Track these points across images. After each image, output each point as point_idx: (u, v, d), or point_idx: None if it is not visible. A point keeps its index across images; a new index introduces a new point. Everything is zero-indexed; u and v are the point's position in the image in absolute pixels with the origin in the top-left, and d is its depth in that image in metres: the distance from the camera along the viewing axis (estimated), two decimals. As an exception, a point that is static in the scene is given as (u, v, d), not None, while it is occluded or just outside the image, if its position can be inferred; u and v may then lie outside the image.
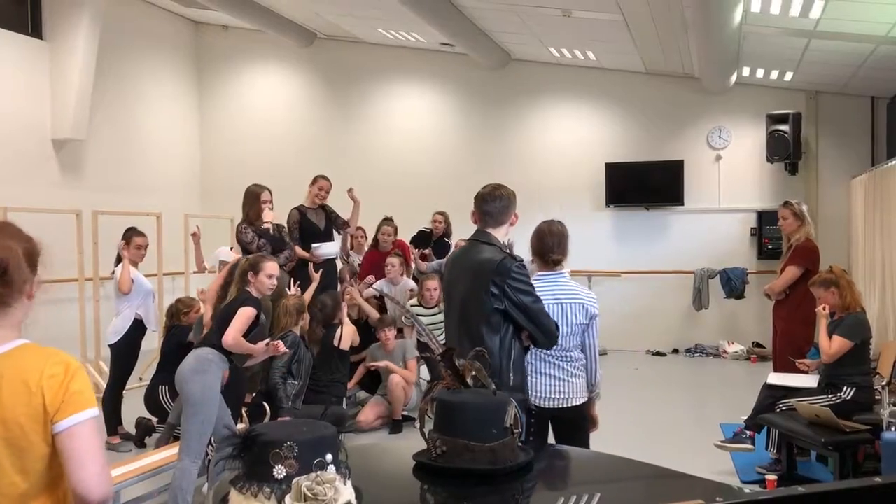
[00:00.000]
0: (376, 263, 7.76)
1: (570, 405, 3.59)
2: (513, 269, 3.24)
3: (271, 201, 6.22)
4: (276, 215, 6.29)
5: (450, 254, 3.75)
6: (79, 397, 1.80)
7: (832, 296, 4.97)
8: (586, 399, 3.68)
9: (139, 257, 6.24)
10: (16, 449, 1.77)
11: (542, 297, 3.79)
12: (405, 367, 6.69)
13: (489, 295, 3.22)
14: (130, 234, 6.27)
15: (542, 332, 3.29)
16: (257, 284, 4.46)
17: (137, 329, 6.13)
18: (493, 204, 3.41)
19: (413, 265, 7.83)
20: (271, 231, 6.12)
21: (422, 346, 6.77)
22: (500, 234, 3.43)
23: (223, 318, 4.34)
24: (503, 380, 3.17)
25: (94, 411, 1.82)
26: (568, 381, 3.60)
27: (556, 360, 3.63)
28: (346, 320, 6.69)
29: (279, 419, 5.36)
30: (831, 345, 4.81)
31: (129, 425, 6.19)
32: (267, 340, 4.51)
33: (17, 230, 1.90)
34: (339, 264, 7.50)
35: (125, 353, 6.12)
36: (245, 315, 4.27)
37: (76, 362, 1.85)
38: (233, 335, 4.23)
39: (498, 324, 3.24)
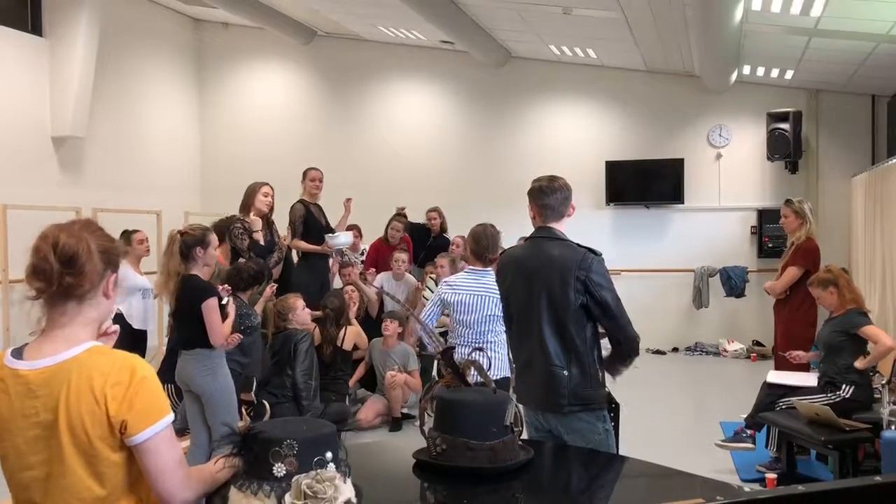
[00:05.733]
0: (383, 256, 7.73)
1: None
2: (594, 264, 3.12)
3: (272, 195, 6.25)
4: (266, 208, 6.24)
5: (505, 255, 3.44)
6: (148, 410, 1.77)
7: (831, 295, 4.94)
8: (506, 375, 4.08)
9: (145, 251, 6.26)
10: (87, 455, 1.75)
11: (463, 289, 4.37)
12: (406, 370, 6.68)
13: (574, 290, 3.06)
14: (128, 235, 6.26)
15: (622, 332, 3.11)
16: (206, 259, 4.32)
17: (119, 323, 6.07)
18: (553, 196, 3.21)
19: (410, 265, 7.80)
20: (262, 242, 6.11)
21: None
22: (562, 227, 3.25)
23: (190, 314, 4.22)
24: (592, 376, 3.07)
25: (166, 420, 1.81)
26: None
27: (473, 343, 4.22)
28: (353, 320, 6.71)
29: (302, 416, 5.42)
30: (881, 339, 4.74)
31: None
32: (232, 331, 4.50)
33: (98, 227, 1.87)
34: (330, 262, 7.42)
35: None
36: (214, 309, 4.21)
37: (143, 368, 1.80)
38: (219, 335, 4.24)
39: (582, 320, 3.08)
